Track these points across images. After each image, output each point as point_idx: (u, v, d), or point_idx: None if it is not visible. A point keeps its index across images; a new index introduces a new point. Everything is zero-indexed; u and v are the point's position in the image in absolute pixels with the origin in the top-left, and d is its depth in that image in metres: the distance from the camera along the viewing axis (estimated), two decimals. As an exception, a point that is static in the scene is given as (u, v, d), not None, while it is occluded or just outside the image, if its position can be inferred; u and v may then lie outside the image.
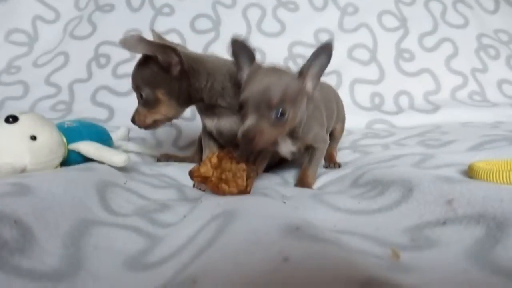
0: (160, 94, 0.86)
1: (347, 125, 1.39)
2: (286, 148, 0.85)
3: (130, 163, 0.89)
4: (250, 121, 0.68)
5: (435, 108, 1.47)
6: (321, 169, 1.00)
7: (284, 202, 0.63)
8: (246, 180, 0.60)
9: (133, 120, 0.91)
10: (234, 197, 0.56)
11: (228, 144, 0.98)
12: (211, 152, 1.00)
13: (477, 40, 1.66)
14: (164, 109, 0.88)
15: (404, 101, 1.53)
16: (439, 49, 1.63)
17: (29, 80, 1.55)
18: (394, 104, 1.52)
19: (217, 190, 0.60)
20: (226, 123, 0.93)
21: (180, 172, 0.97)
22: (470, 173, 0.71)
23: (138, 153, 1.09)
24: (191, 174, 0.64)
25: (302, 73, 0.76)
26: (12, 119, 0.77)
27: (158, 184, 0.82)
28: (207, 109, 0.94)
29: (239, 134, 0.68)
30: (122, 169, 0.87)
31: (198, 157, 1.11)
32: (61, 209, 0.48)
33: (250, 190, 0.64)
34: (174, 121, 0.99)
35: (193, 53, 0.91)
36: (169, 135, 1.32)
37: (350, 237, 0.46)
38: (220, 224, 0.42)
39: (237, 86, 0.87)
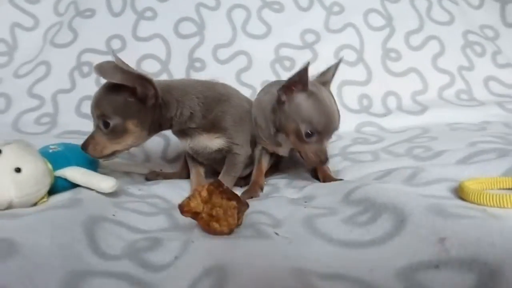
0: (131, 125, 0.84)
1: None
2: (287, 147, 1.00)
3: (118, 185, 0.87)
4: (325, 145, 0.89)
5: (423, 108, 1.48)
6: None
7: (276, 234, 0.63)
8: (237, 217, 0.60)
9: (85, 148, 0.85)
10: (225, 241, 0.56)
11: (206, 161, 1.01)
12: (197, 174, 1.01)
13: (463, 37, 1.66)
14: (130, 140, 0.86)
15: (392, 102, 1.53)
16: (425, 48, 1.63)
17: (11, 92, 1.51)
18: (382, 105, 1.52)
19: (207, 228, 0.60)
20: (199, 142, 0.95)
21: (169, 190, 0.97)
22: (460, 193, 0.72)
23: (126, 172, 1.08)
24: (181, 208, 0.63)
25: None
26: (-6, 152, 0.75)
27: (147, 211, 0.81)
28: (179, 131, 0.96)
29: (314, 157, 0.88)
30: (112, 192, 0.86)
31: (185, 172, 1.11)
32: (50, 265, 0.47)
33: (241, 223, 0.64)
34: (163, 132, 1.00)
35: (163, 83, 0.90)
36: (157, 146, 1.31)
37: (344, 285, 0.46)
38: (212, 285, 0.41)
39: (207, 105, 0.92)
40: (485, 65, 1.62)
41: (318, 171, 1.03)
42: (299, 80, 0.85)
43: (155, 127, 0.90)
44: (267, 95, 1.00)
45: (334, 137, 1.36)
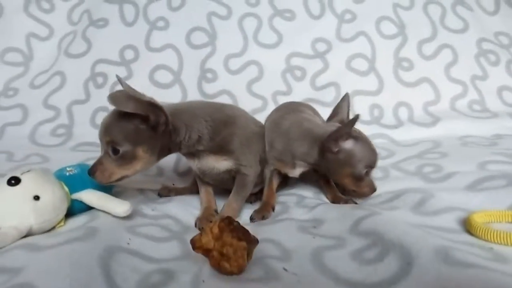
0: (141, 151, 0.84)
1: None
2: (300, 170, 1.02)
3: (133, 208, 0.90)
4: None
5: (435, 120, 1.47)
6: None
7: (285, 270, 0.65)
8: (247, 254, 0.62)
9: (92, 173, 0.85)
10: (234, 285, 0.58)
11: (213, 181, 1.02)
12: (206, 192, 1.03)
13: (477, 45, 1.64)
14: (139, 165, 0.86)
15: (403, 113, 1.52)
16: (438, 57, 1.61)
17: (28, 102, 1.55)
18: (393, 116, 1.52)
19: (218, 267, 0.62)
20: (206, 163, 0.96)
21: (181, 209, 1.00)
22: (468, 227, 0.73)
23: (139, 189, 1.11)
24: (193, 244, 0.65)
25: None
26: (14, 181, 0.79)
27: (160, 236, 0.83)
28: (187, 153, 0.96)
29: (368, 190, 0.95)
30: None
31: (196, 186, 1.12)
32: (69, 310, 0.50)
33: (251, 258, 0.65)
34: None
35: (171, 108, 0.90)
36: (169, 160, 1.32)
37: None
38: None
39: (215, 127, 0.93)
40: (498, 74, 1.60)
41: (327, 192, 1.05)
42: (344, 131, 0.90)
43: (164, 152, 0.91)
44: (286, 122, 1.03)
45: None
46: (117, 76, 1.00)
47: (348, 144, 0.91)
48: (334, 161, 0.93)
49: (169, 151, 0.93)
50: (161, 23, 1.67)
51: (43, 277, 0.54)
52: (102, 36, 1.66)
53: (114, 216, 0.86)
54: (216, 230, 0.64)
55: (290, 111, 1.10)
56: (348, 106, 1.06)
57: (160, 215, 0.96)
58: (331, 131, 0.91)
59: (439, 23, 1.67)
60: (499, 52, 1.64)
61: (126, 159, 0.84)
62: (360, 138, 0.93)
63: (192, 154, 0.97)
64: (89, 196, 0.89)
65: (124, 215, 0.86)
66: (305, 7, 1.71)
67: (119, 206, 0.87)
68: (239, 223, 0.67)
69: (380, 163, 1.23)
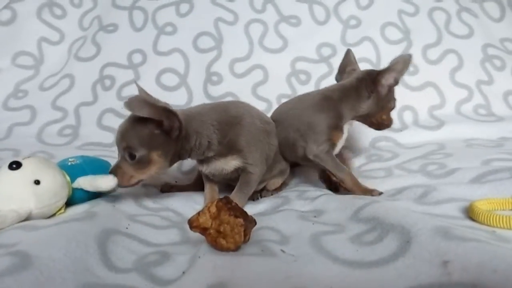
0: (156, 156, 0.86)
1: (351, 144, 1.40)
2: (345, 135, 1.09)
3: (135, 191, 0.90)
4: None
5: (440, 124, 1.46)
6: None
7: (283, 251, 0.64)
8: (244, 234, 0.61)
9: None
10: (230, 258, 0.57)
11: (222, 180, 1.04)
12: (211, 189, 1.03)
13: (483, 50, 1.64)
14: (154, 169, 0.88)
15: (408, 116, 1.52)
16: (443, 62, 1.61)
17: (36, 104, 1.57)
18: (398, 120, 1.51)
19: (215, 244, 0.61)
20: (216, 166, 0.97)
21: (182, 203, 1.00)
22: (470, 214, 0.71)
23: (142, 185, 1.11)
24: (190, 223, 0.65)
25: None
26: (15, 165, 0.79)
27: (160, 224, 0.83)
28: (197, 160, 0.98)
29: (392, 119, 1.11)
30: (127, 205, 0.90)
31: (199, 184, 1.12)
32: (62, 278, 0.50)
33: (248, 239, 0.65)
34: None
35: (183, 115, 0.91)
36: (173, 159, 1.33)
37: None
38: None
39: (222, 130, 0.94)
40: (504, 79, 1.58)
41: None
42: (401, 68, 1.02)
43: (175, 158, 0.93)
44: (312, 94, 1.11)
45: (350, 154, 1.38)
46: (135, 82, 1.02)
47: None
48: (383, 97, 1.04)
49: (179, 158, 0.94)
50: (169, 28, 1.70)
51: (38, 247, 0.54)
52: (111, 40, 1.69)
53: (114, 206, 0.87)
54: (213, 209, 0.64)
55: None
56: (355, 59, 1.15)
57: (161, 208, 0.96)
58: (382, 70, 1.01)
59: (444, 28, 1.67)
60: (504, 57, 1.63)
61: (142, 163, 0.87)
62: None
63: (201, 160, 0.98)
64: (84, 181, 0.88)
65: (108, 189, 0.87)
66: (311, 13, 1.73)
67: (104, 181, 0.87)
68: (237, 204, 0.67)
69: (383, 164, 1.24)
